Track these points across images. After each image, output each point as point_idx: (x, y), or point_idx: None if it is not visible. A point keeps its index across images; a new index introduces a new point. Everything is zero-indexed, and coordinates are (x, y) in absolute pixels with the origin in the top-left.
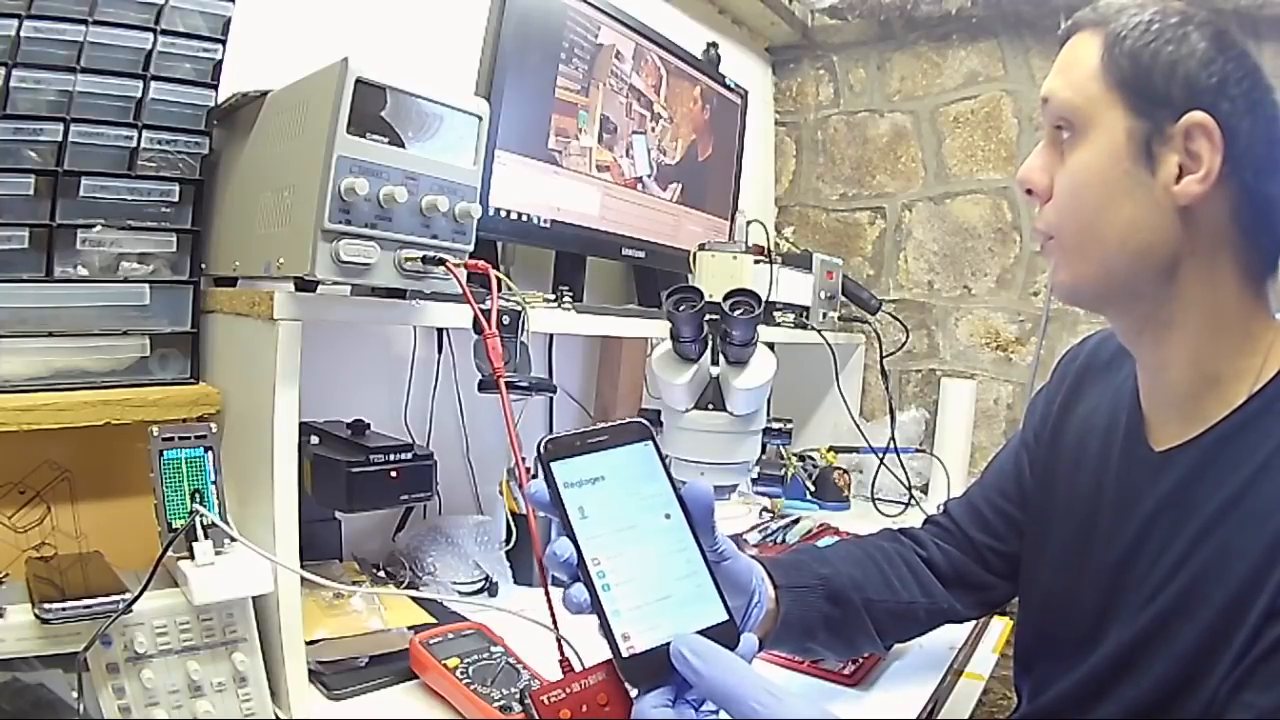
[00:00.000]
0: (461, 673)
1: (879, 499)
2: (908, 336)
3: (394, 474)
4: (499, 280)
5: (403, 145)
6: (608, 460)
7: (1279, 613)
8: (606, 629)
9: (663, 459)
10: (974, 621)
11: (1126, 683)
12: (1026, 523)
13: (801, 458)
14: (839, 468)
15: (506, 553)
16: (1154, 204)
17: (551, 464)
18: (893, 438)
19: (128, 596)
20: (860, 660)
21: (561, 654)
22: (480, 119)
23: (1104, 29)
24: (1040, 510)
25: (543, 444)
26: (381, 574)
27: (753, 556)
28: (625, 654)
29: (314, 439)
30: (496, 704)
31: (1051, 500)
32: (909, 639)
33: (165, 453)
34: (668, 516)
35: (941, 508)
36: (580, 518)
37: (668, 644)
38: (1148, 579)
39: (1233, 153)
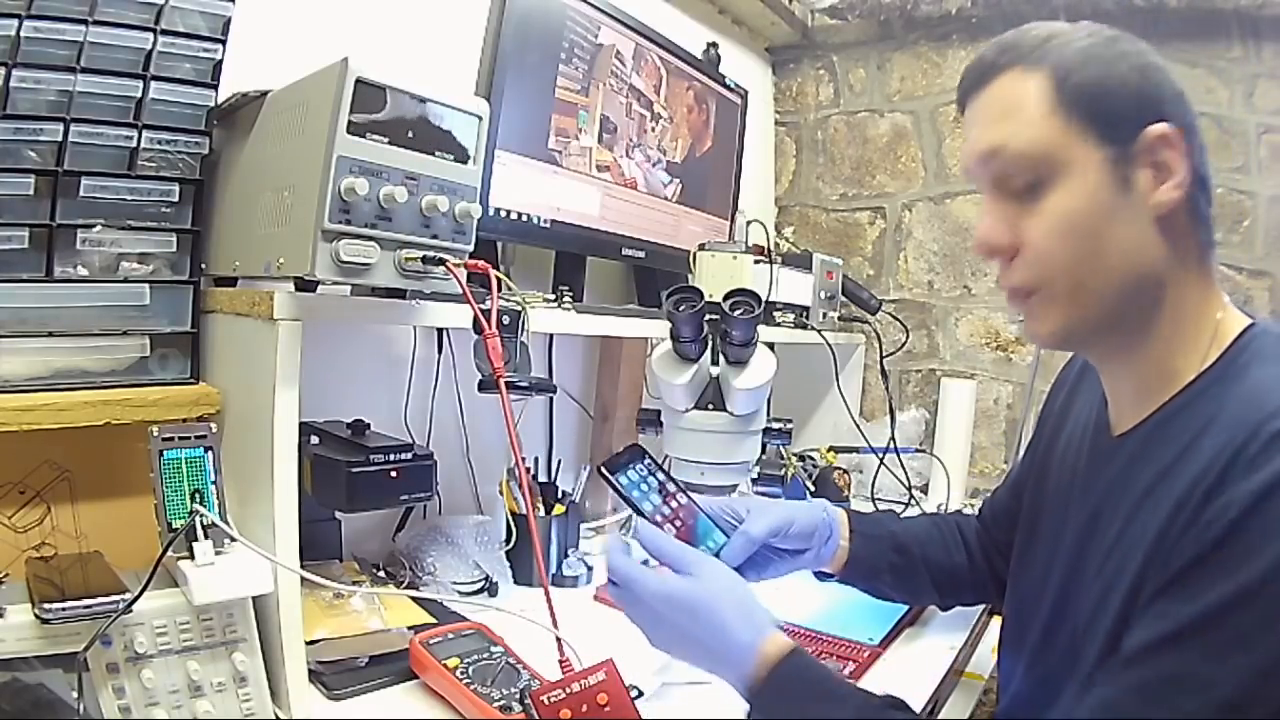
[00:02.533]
0: (461, 673)
1: (879, 499)
2: (908, 336)
3: (394, 474)
4: (499, 280)
5: (404, 146)
6: (635, 469)
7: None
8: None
9: (658, 463)
10: (974, 621)
11: (1078, 676)
12: (1019, 531)
13: (801, 458)
14: (839, 468)
15: (506, 553)
16: (1138, 224)
17: (614, 474)
18: (893, 438)
19: (128, 596)
20: (860, 660)
21: (561, 654)
22: (480, 119)
23: (1041, 64)
24: (1030, 512)
25: (602, 465)
26: (381, 574)
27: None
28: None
29: (314, 439)
30: (496, 704)
31: (1042, 499)
32: (963, 602)
33: (165, 453)
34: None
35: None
36: (641, 500)
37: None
38: (1094, 563)
39: (1189, 150)
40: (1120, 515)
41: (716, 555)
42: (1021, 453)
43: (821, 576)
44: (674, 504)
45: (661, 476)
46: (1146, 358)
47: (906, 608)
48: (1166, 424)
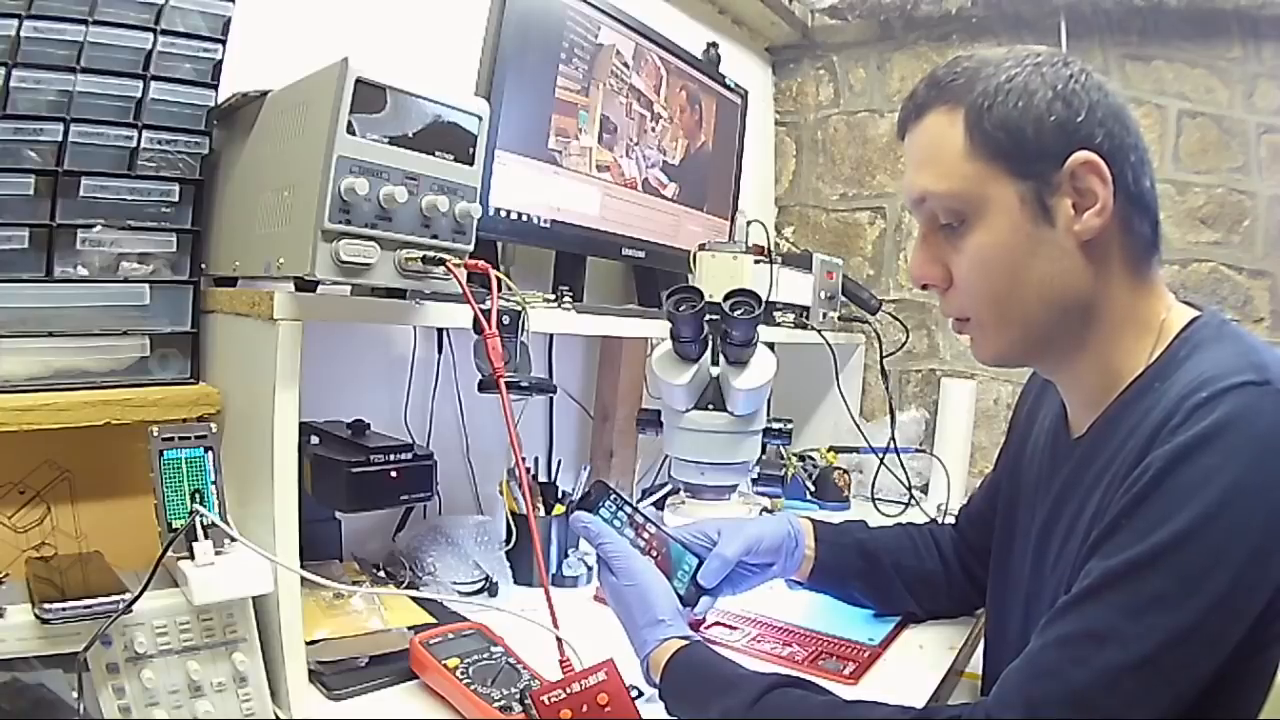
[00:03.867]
0: (461, 673)
1: (879, 499)
2: (908, 336)
3: (394, 474)
4: (499, 280)
5: (404, 146)
6: (606, 506)
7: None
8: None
9: (624, 497)
10: (974, 621)
11: None
12: (993, 541)
13: (801, 458)
14: (839, 468)
15: (506, 553)
16: (1060, 251)
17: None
18: (893, 438)
19: (128, 596)
20: (860, 660)
21: (561, 654)
22: (480, 119)
23: (960, 105)
24: (1003, 518)
25: (574, 506)
26: (381, 574)
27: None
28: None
29: (314, 439)
30: (496, 704)
31: (1014, 504)
32: (942, 611)
33: (165, 453)
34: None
35: (960, 509)
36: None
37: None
38: (1052, 559)
39: (1116, 172)
40: (1072, 512)
41: (693, 577)
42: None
43: (792, 584)
44: (646, 535)
45: (630, 510)
46: (1090, 366)
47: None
48: (1112, 422)
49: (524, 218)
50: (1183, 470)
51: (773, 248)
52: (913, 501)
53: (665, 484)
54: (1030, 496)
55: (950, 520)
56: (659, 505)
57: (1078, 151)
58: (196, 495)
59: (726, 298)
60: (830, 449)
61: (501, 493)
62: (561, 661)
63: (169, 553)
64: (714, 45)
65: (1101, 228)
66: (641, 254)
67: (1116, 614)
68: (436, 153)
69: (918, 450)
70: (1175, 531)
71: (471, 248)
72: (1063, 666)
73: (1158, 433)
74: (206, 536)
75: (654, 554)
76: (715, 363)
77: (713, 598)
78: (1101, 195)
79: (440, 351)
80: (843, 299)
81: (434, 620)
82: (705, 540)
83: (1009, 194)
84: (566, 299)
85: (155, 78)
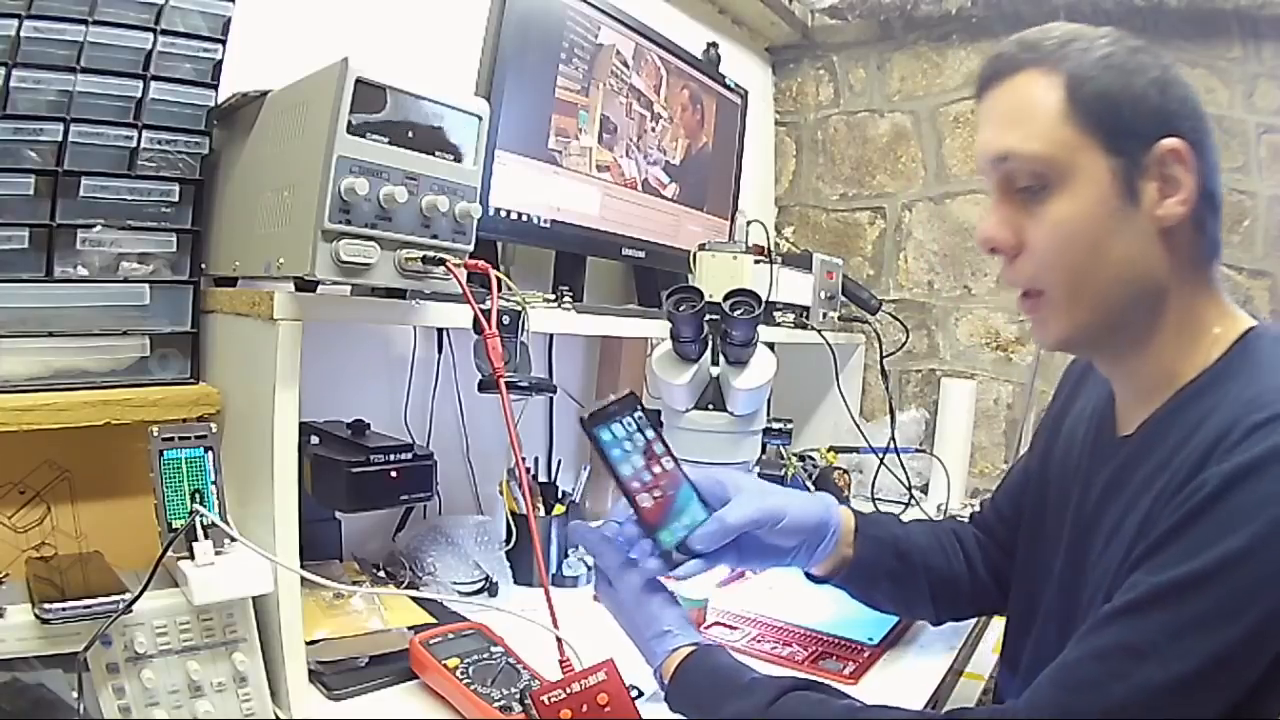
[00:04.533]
0: (461, 673)
1: (879, 499)
2: (908, 336)
3: (394, 474)
4: (499, 280)
5: (404, 146)
6: (623, 424)
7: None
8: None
9: (651, 419)
10: (974, 621)
11: None
12: (1021, 532)
13: (801, 458)
14: (839, 468)
15: (506, 553)
16: (1141, 235)
17: (595, 429)
18: (893, 438)
19: (128, 596)
20: (860, 660)
21: (561, 654)
22: (480, 119)
23: (1058, 68)
24: (1033, 515)
25: (586, 414)
26: (381, 574)
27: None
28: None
29: (314, 439)
30: (496, 704)
31: (1045, 500)
32: (956, 615)
33: (165, 453)
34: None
35: (979, 505)
36: (620, 462)
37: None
38: (1093, 558)
39: (1199, 166)
40: (1117, 512)
41: (689, 536)
42: (1023, 453)
43: (813, 579)
44: (657, 469)
45: (650, 435)
46: (1149, 363)
47: None
48: (1164, 424)
49: (524, 218)
50: (1236, 493)
51: (773, 248)
52: (913, 501)
53: None
54: (1066, 485)
55: (963, 517)
56: None
57: (1167, 138)
58: (196, 495)
59: (726, 298)
60: (830, 449)
61: (501, 493)
62: (561, 661)
63: (169, 553)
64: (714, 45)
65: (1182, 217)
66: (641, 254)
67: (1158, 632)
68: (436, 153)
69: (918, 450)
70: (1225, 554)
71: (471, 248)
72: (1101, 680)
73: (1214, 447)
74: (206, 536)
75: (658, 493)
76: (715, 363)
77: (705, 564)
78: (1186, 184)
79: (440, 351)
80: (843, 299)
81: (434, 620)
82: (718, 494)
83: (1100, 166)
84: (566, 299)
85: (155, 78)
